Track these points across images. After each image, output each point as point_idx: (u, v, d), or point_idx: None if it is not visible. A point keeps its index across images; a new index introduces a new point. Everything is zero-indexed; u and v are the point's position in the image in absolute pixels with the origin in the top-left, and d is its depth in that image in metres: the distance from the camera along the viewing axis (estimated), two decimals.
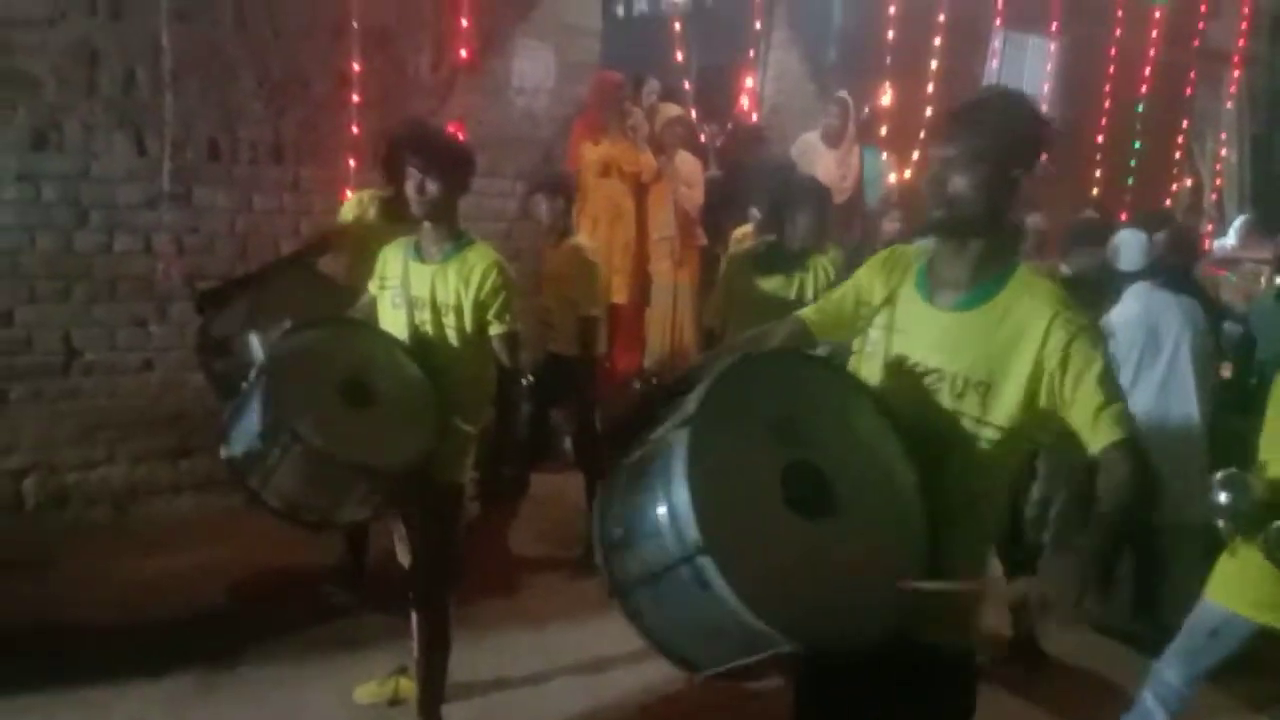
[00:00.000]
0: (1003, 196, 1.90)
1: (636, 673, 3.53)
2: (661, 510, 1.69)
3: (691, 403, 1.78)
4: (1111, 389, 1.81)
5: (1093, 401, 1.80)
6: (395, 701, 3.38)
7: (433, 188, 2.89)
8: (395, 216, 3.83)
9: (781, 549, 1.72)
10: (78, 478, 4.57)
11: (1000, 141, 1.88)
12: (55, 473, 4.51)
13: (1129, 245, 4.36)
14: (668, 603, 1.73)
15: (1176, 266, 4.64)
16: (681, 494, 1.65)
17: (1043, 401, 1.84)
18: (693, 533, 1.62)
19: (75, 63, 4.31)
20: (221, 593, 4.00)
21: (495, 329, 2.98)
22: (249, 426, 2.73)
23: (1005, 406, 1.86)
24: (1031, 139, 1.92)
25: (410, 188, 2.92)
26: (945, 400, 1.91)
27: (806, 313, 2.21)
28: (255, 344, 3.20)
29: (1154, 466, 1.77)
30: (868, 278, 2.09)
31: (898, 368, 1.97)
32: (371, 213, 3.97)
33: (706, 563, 1.62)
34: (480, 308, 2.95)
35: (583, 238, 4.86)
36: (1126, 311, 4.19)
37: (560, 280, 4.60)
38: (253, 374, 2.81)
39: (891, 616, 1.73)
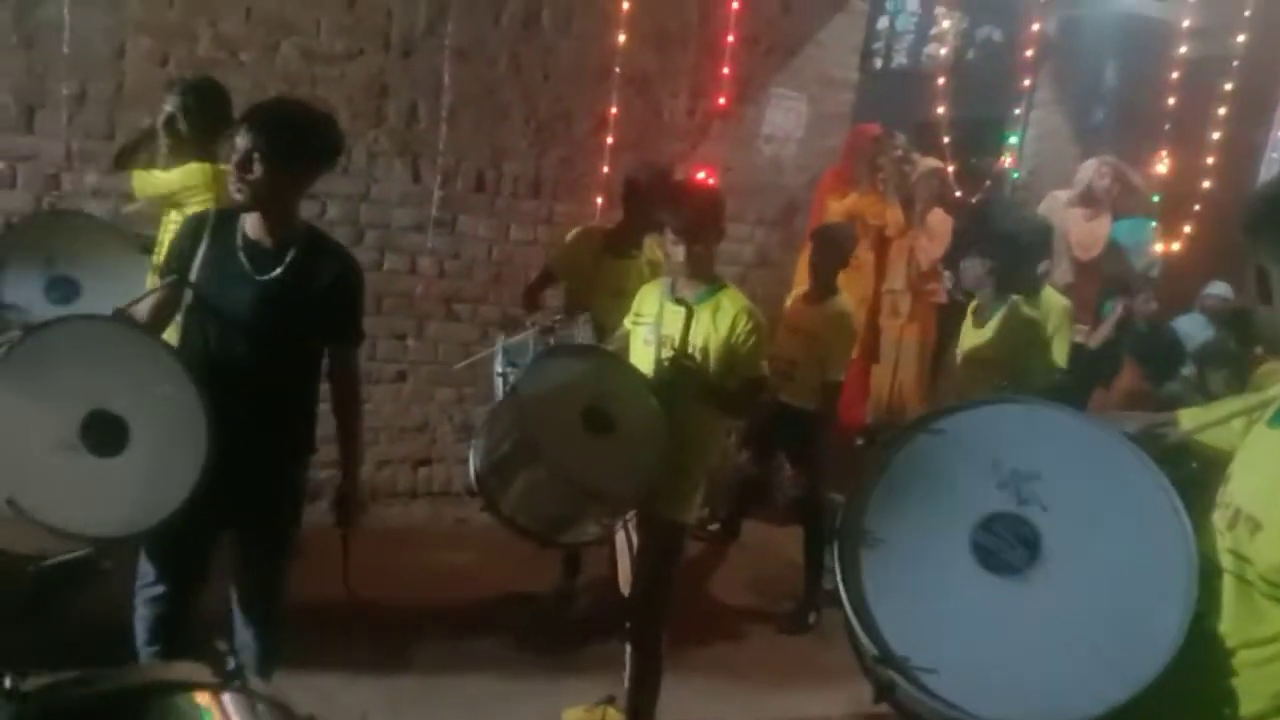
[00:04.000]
0: None
1: None
2: None
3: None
4: None
5: None
6: None
7: (697, 247, 2.96)
8: (616, 252, 3.93)
9: (944, 589, 1.72)
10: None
11: None
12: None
13: None
14: None
15: None
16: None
17: None
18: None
19: (367, 95, 4.69)
20: (448, 600, 4.15)
21: (746, 373, 2.98)
22: (497, 436, 2.86)
23: (1269, 552, 1.47)
24: None
25: (668, 243, 3.01)
26: (1222, 528, 1.59)
27: (1185, 410, 1.95)
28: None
29: None
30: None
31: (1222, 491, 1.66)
32: (585, 246, 4.08)
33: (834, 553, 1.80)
34: (730, 351, 2.95)
35: (847, 300, 4.75)
36: None
37: (814, 339, 4.52)
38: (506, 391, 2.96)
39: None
